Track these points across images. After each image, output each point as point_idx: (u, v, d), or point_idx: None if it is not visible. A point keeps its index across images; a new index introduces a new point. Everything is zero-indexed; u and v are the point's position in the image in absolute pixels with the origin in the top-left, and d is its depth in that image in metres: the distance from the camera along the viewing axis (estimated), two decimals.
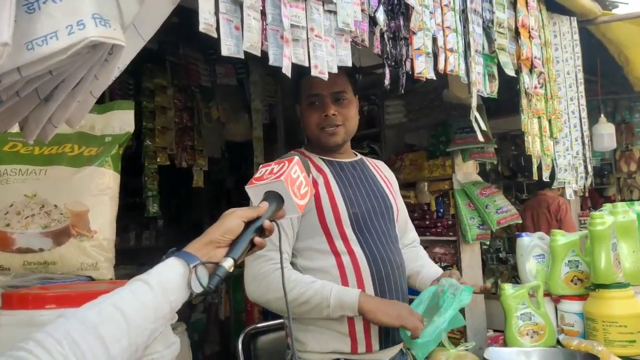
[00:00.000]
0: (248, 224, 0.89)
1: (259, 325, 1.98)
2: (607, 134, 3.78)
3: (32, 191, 1.28)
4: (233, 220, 0.87)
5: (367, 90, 3.83)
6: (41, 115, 0.88)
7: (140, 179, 3.64)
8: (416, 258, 1.66)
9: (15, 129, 1.02)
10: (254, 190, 0.95)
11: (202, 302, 4.95)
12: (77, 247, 1.26)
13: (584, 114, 2.78)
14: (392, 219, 1.54)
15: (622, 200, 5.59)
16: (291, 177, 0.94)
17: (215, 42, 1.12)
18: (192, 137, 3.81)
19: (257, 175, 0.97)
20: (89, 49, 0.74)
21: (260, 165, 1.00)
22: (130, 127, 1.41)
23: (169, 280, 0.78)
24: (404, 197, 3.58)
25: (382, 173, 1.63)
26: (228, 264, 0.83)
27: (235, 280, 4.37)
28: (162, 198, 3.96)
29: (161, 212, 3.87)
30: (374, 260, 1.40)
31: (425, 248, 3.31)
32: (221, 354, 4.51)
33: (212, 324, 4.65)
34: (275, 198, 0.93)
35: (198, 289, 0.79)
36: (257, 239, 0.89)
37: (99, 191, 1.29)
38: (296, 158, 0.99)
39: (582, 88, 2.79)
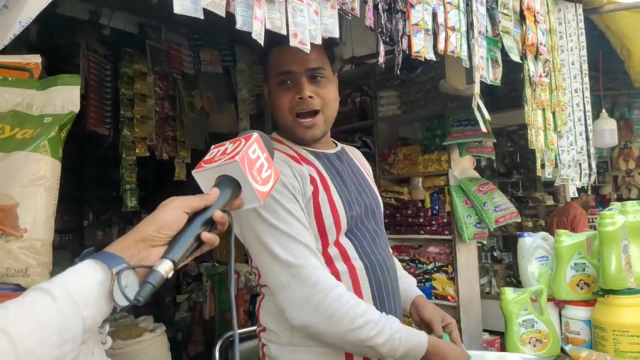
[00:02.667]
0: (193, 216, 0.71)
1: (239, 331, 1.84)
2: (608, 129, 3.65)
3: None
4: (171, 211, 0.69)
5: (359, 81, 3.66)
6: None
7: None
8: None
9: None
10: (203, 175, 0.76)
11: (187, 301, 4.80)
12: (2, 248, 1.05)
13: (589, 107, 2.62)
14: (381, 217, 1.37)
15: (619, 198, 5.48)
16: (249, 157, 0.76)
17: (201, 25, 0.91)
18: (174, 127, 3.64)
19: (207, 157, 0.79)
20: None
21: (212, 146, 0.81)
22: (75, 106, 1.19)
23: (81, 290, 0.59)
24: (397, 192, 3.44)
25: (362, 163, 1.45)
26: (165, 267, 0.65)
27: (220, 278, 4.20)
28: (146, 191, 3.76)
29: (144, 205, 3.68)
30: (372, 267, 1.22)
31: (419, 247, 3.23)
32: (205, 354, 4.35)
33: (196, 323, 4.51)
34: (229, 184, 0.75)
35: (123, 302, 0.61)
36: (206, 235, 0.70)
37: (30, 181, 1.07)
38: (255, 134, 0.80)
39: (587, 79, 2.64)
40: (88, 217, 5.56)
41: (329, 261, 1.17)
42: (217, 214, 0.72)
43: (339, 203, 1.20)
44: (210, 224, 0.72)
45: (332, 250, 1.18)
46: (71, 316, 0.57)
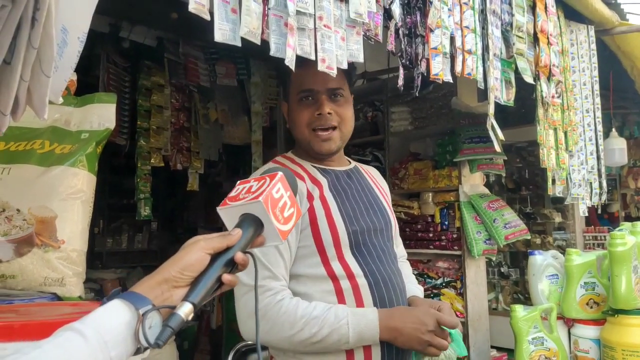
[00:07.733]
0: (215, 257, 0.72)
1: (251, 342, 1.86)
2: (618, 148, 3.66)
3: None
4: (194, 253, 0.71)
5: (371, 96, 3.71)
6: None
7: (134, 180, 3.50)
8: None
9: None
10: (228, 212, 0.79)
11: None
12: (40, 258, 1.09)
13: (600, 127, 2.66)
14: (391, 236, 1.39)
15: (627, 216, 5.46)
16: (272, 197, 0.78)
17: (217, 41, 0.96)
18: (189, 138, 3.69)
19: (232, 193, 0.81)
20: (3, 0, 0.57)
21: (238, 182, 0.83)
22: (111, 123, 1.24)
23: (110, 330, 0.62)
24: (407, 207, 3.47)
25: (377, 182, 1.48)
26: (185, 310, 0.66)
27: None
28: (157, 200, 3.81)
29: (155, 214, 3.73)
30: (376, 284, 1.24)
31: (428, 262, 3.25)
32: None
33: (203, 332, 4.51)
34: (252, 222, 0.77)
35: (147, 343, 0.63)
36: (226, 277, 0.72)
37: (68, 195, 1.11)
38: (280, 174, 0.82)
39: (598, 100, 2.68)
40: (99, 225, 5.62)
41: (333, 277, 1.21)
42: (239, 256, 0.73)
43: (339, 219, 1.23)
44: (232, 265, 0.74)
45: (336, 267, 1.21)
46: (101, 355, 0.60)
